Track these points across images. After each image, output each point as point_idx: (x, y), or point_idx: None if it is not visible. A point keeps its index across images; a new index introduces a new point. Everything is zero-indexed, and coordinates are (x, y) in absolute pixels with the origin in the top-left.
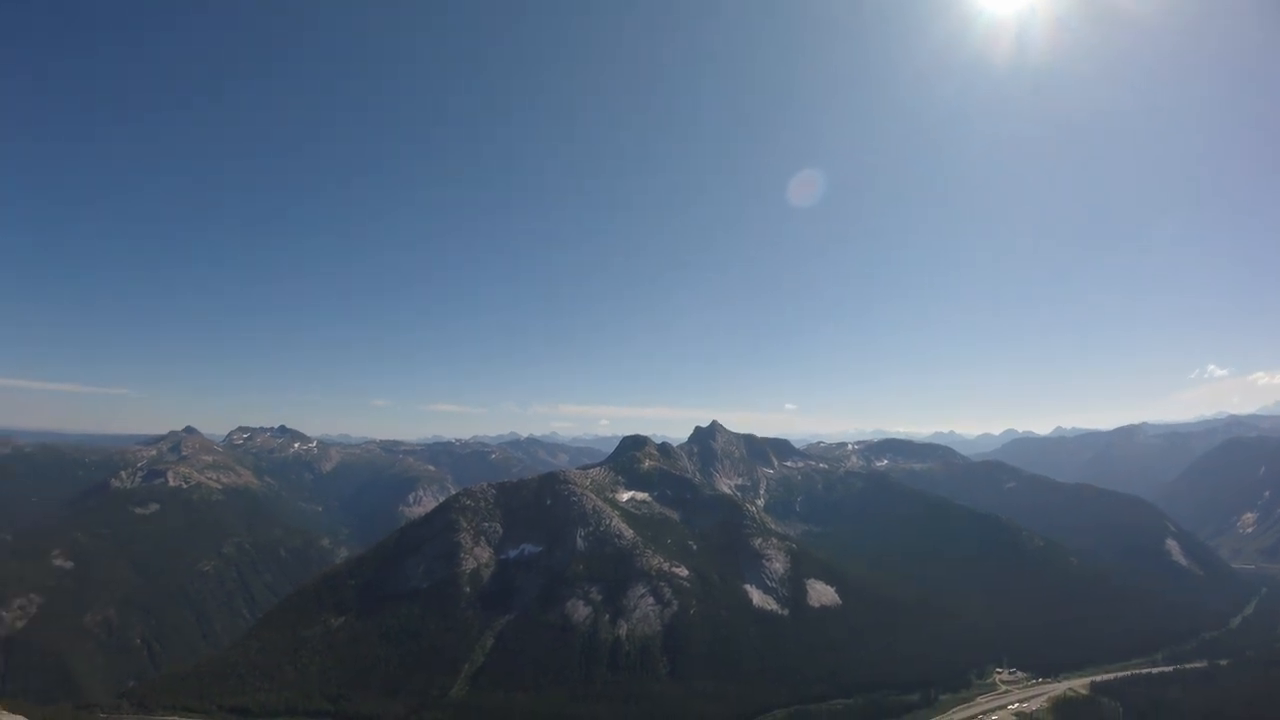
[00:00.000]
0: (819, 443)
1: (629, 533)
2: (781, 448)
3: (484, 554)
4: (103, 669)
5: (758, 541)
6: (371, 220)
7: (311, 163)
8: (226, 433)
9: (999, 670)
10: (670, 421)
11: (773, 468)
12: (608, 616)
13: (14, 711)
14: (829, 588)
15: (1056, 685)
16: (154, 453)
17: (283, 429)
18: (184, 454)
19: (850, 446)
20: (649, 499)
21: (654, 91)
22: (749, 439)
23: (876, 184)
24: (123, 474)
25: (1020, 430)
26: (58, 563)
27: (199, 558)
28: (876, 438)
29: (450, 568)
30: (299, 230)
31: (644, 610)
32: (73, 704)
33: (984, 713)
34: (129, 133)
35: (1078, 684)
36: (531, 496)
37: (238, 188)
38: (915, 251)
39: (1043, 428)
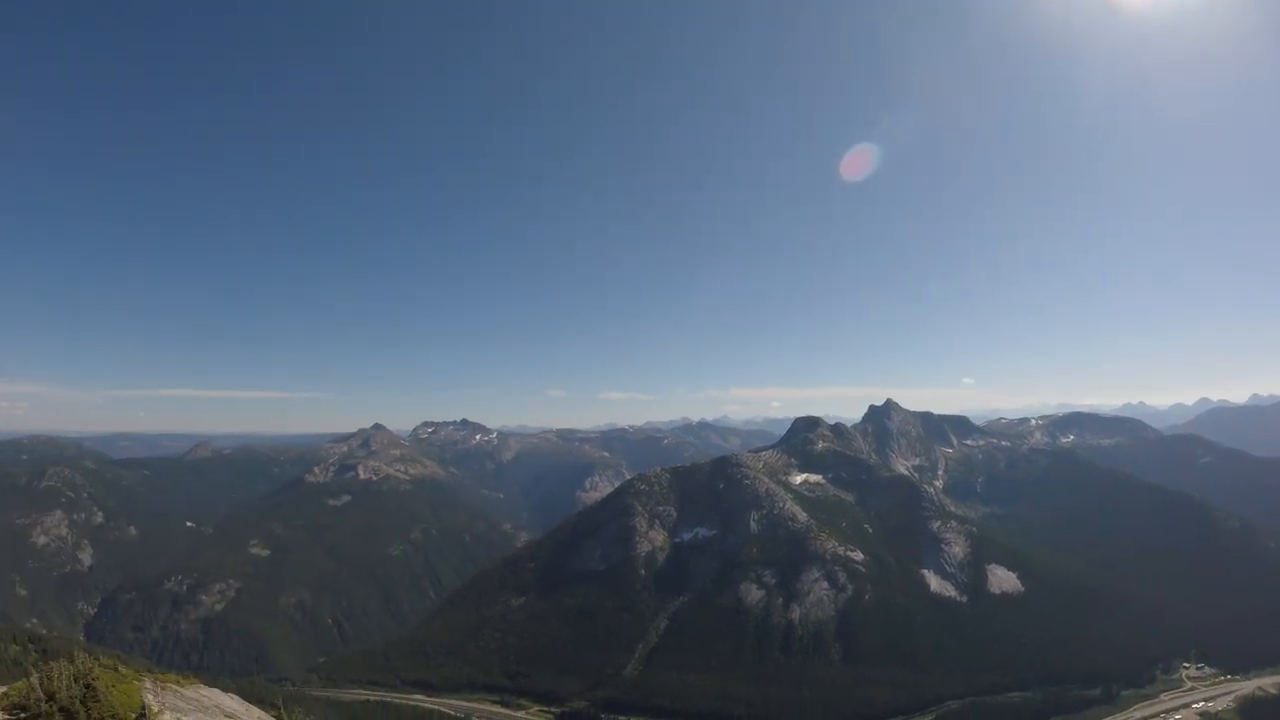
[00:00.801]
0: (1000, 419)
1: (802, 516)
2: (960, 425)
3: (658, 537)
4: (296, 646)
5: (936, 524)
6: (540, 220)
7: (488, 169)
8: (412, 428)
9: (1186, 665)
10: (843, 401)
11: (951, 446)
12: (781, 600)
13: (210, 685)
14: (1010, 574)
15: (1245, 683)
16: (345, 449)
17: (464, 422)
18: (373, 449)
19: (1034, 422)
20: (822, 481)
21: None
22: (925, 417)
23: (1066, 134)
24: (316, 470)
25: (1215, 399)
26: (255, 551)
27: (388, 544)
28: (1061, 412)
29: (626, 551)
30: (474, 235)
31: (818, 594)
32: (265, 678)
33: (1166, 711)
34: (309, 150)
35: (1268, 682)
36: (704, 480)
37: (415, 200)
38: (1095, 211)
39: (1238, 395)
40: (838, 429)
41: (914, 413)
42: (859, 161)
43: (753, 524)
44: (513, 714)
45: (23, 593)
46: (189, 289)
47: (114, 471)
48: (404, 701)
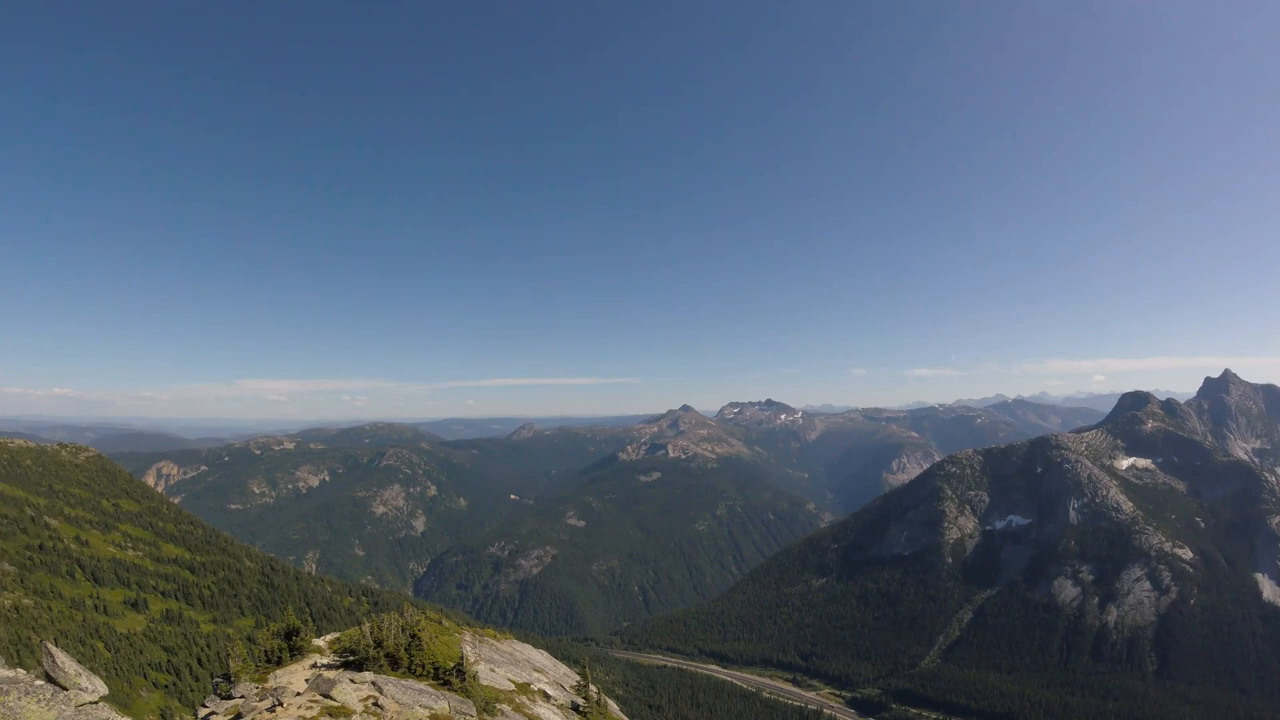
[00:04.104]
0: None
1: (1128, 505)
2: None
3: (968, 524)
4: (603, 610)
5: (1276, 521)
6: (843, 209)
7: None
8: (718, 408)
9: None
10: (1176, 372)
11: None
12: (1097, 600)
13: (522, 640)
14: None
15: None
16: (655, 429)
17: (769, 402)
18: (682, 429)
19: None
20: (1151, 466)
21: None
22: (1268, 391)
23: None
24: (628, 448)
25: None
26: (570, 521)
27: (695, 518)
28: None
29: (933, 536)
30: (773, 228)
31: (1138, 596)
32: (572, 637)
33: None
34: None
35: None
36: (1020, 463)
37: (721, 202)
38: None
39: None
40: (1169, 406)
41: (1255, 385)
42: None
43: (1072, 513)
44: (803, 693)
45: (360, 553)
46: (512, 295)
47: (446, 451)
48: (699, 670)
